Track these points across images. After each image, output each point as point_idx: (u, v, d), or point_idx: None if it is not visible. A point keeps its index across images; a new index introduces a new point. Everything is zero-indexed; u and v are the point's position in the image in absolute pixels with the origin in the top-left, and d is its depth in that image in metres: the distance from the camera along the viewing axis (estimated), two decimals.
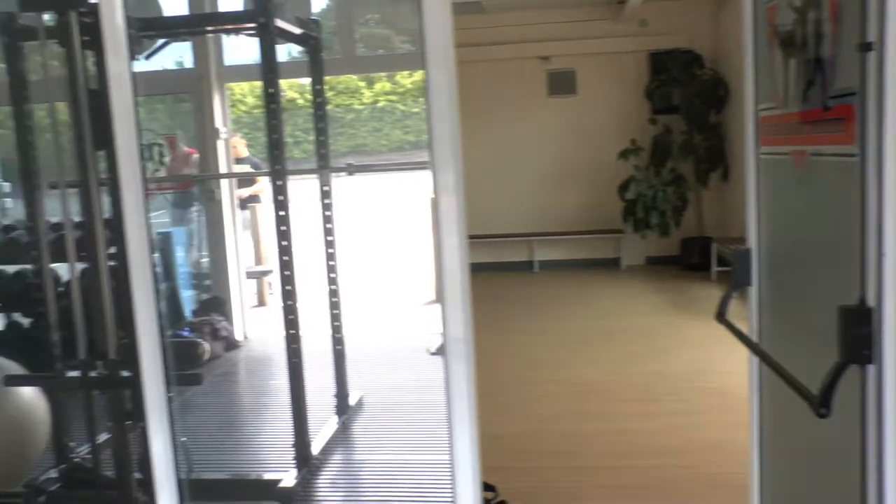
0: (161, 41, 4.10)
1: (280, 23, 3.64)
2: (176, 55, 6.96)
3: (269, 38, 3.55)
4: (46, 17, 3.09)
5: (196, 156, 6.90)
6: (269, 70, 3.57)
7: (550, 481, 3.66)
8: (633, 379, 5.08)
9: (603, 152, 8.88)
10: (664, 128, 8.71)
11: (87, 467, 3.53)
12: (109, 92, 2.26)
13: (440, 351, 5.62)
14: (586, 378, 5.16)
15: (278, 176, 3.66)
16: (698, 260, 8.46)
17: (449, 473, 1.91)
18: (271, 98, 3.60)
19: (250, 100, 19.58)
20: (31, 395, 3.52)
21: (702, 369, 5.17)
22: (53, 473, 3.59)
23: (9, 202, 7.44)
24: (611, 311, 7.22)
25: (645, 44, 8.90)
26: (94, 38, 2.98)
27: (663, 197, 8.44)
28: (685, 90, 8.42)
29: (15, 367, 3.59)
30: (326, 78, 4.52)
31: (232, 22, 4.16)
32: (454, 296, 1.86)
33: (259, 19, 3.52)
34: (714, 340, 5.42)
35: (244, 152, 8.45)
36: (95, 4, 2.95)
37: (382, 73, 20.52)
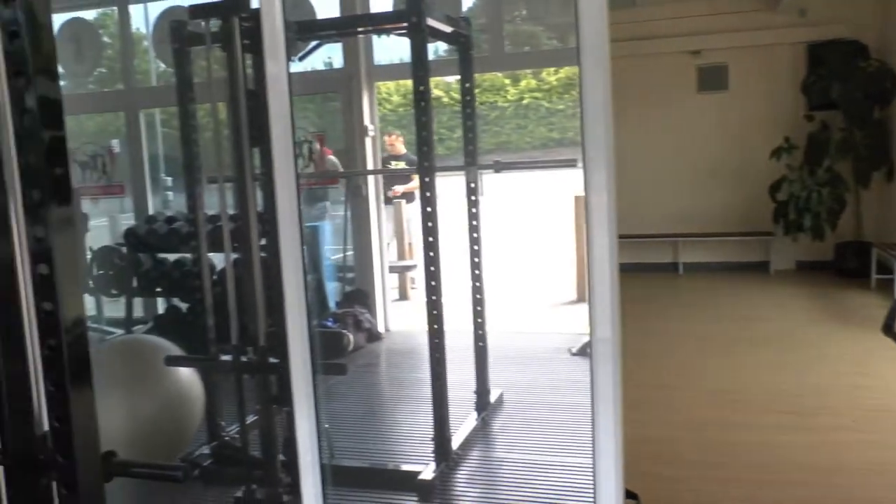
0: (314, 43, 4.24)
1: (431, 21, 3.68)
2: (325, 55, 7.21)
3: (420, 37, 3.60)
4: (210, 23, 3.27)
5: (331, 156, 7.11)
6: (419, 68, 3.63)
7: (691, 491, 3.54)
8: (783, 389, 4.83)
9: (754, 150, 8.49)
10: (821, 124, 8.21)
11: (236, 446, 3.72)
12: (267, 92, 2.35)
13: (582, 352, 5.57)
14: (732, 386, 4.95)
15: (427, 173, 3.71)
16: (855, 266, 7.93)
17: (590, 478, 1.87)
18: (421, 96, 3.65)
19: (396, 98, 20.00)
20: (188, 376, 3.73)
21: (862, 384, 4.84)
22: (206, 450, 3.82)
23: (170, 195, 7.89)
24: (758, 317, 6.90)
25: (803, 35, 8.41)
26: (253, 41, 3.14)
27: (818, 198, 7.96)
28: (846, 84, 7.90)
29: (175, 349, 3.81)
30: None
31: (384, 22, 4.25)
32: (602, 296, 1.82)
33: (411, 19, 3.57)
34: (876, 354, 5.08)
35: (402, 149, 8.63)
36: (256, 10, 3.11)
37: (528, 70, 20.45)
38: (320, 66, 7.10)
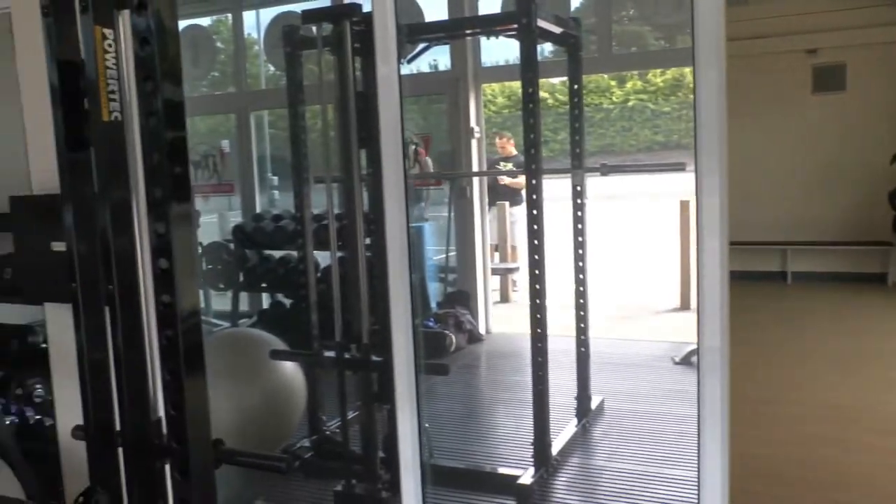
0: (423, 45, 4.28)
1: (541, 23, 3.66)
2: (430, 57, 7.27)
3: (530, 38, 3.59)
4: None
5: (426, 158, 7.17)
6: (528, 70, 3.61)
7: None
8: None
9: (872, 155, 8.05)
10: None
11: (336, 440, 3.80)
12: (377, 94, 2.38)
13: (686, 361, 5.41)
14: (846, 402, 4.72)
15: (533, 175, 3.69)
16: None
17: (694, 492, 1.82)
18: (530, 98, 3.64)
19: (500, 100, 19.98)
20: (292, 369, 3.83)
21: None
22: (306, 442, 3.91)
23: (276, 194, 8.11)
24: (874, 331, 6.55)
25: None
26: (363, 45, 3.20)
27: None
28: None
29: (280, 343, 3.92)
30: None
31: (494, 24, 4.24)
32: (712, 303, 1.77)
33: (521, 20, 3.56)
34: None
35: (512, 151, 8.63)
36: (368, 14, 3.17)
37: (634, 72, 20.07)
38: (425, 69, 7.18)
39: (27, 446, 3.38)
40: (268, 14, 7.73)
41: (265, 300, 6.91)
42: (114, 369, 2.13)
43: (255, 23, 7.99)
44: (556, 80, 11.08)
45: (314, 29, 3.41)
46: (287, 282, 6.09)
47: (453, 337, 6.06)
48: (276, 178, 8.10)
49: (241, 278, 6.42)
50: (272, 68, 8.19)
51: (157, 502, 2.14)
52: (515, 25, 3.64)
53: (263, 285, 6.49)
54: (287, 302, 6.31)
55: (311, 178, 3.95)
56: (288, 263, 6.11)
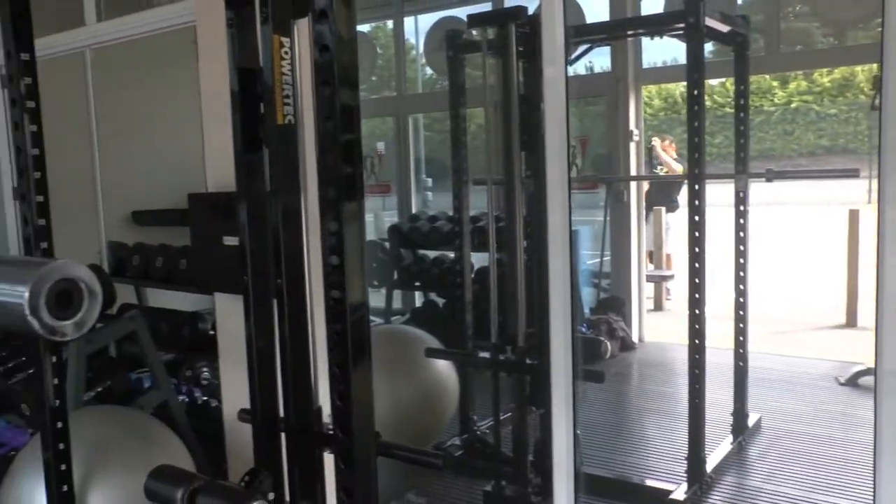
0: (585, 46, 4.24)
1: (709, 21, 3.54)
2: (585, 59, 7.18)
3: (697, 38, 3.47)
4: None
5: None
6: (694, 71, 3.50)
7: None
8: None
9: None
10: None
11: (487, 441, 3.82)
12: (540, 96, 2.38)
13: (853, 382, 5.06)
14: None
15: (696, 180, 3.57)
16: None
17: None
18: (695, 100, 3.52)
19: (657, 102, 19.45)
20: (445, 368, 3.89)
21: None
22: (457, 441, 3.95)
23: (429, 195, 8.25)
24: None
25: None
26: (526, 47, 3.20)
27: None
28: None
29: (434, 341, 3.98)
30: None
31: (660, 24, 4.13)
32: (893, 323, 1.65)
33: (689, 19, 3.45)
34: None
35: (672, 155, 8.41)
36: (532, 17, 3.18)
37: (799, 72, 18.95)
38: (581, 71, 7.10)
39: (194, 424, 3.62)
40: (425, 20, 7.90)
41: (418, 298, 7.04)
42: (279, 359, 2.23)
43: (412, 28, 8.18)
44: (714, 82, 10.67)
45: (474, 32, 3.45)
46: (441, 281, 6.18)
47: (608, 344, 5.96)
48: (429, 179, 8.25)
49: (396, 276, 6.58)
50: (429, 72, 8.36)
51: (316, 486, 2.24)
52: (682, 25, 3.53)
53: (417, 284, 6.61)
54: (440, 301, 6.40)
55: (469, 179, 3.99)
56: (442, 264, 6.20)
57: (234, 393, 3.60)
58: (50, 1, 2.12)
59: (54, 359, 2.21)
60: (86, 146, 4.71)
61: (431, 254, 6.48)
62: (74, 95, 4.73)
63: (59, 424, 2.20)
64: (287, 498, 2.24)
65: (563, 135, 2.37)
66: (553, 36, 2.30)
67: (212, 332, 3.98)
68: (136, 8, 4.11)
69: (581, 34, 4.04)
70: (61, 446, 2.20)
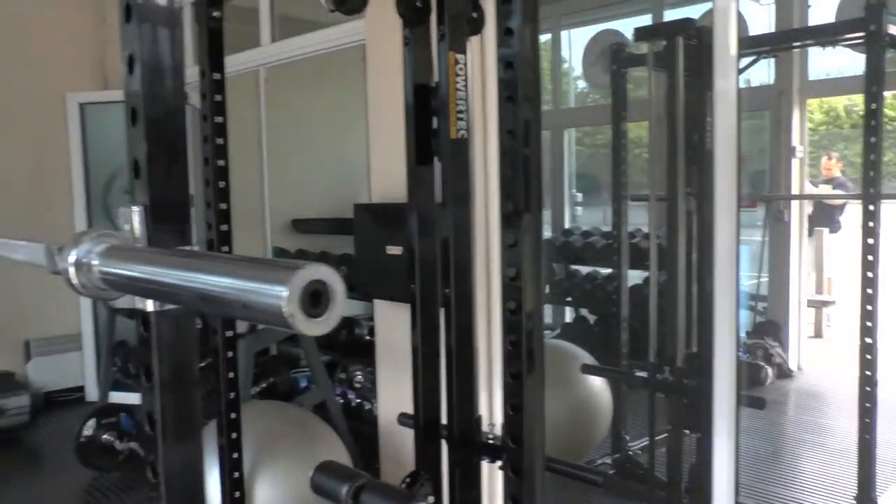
0: (750, 59, 4.10)
1: (892, 28, 3.33)
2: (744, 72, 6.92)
3: (878, 47, 3.28)
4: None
5: None
6: (873, 83, 3.30)
7: None
8: None
9: None
10: None
11: (639, 462, 3.74)
12: (709, 110, 2.33)
13: None
14: None
15: (871, 200, 3.37)
16: None
17: None
18: (872, 114, 3.33)
19: (817, 116, 18.44)
20: (599, 385, 3.84)
21: None
22: (608, 460, 3.89)
23: (579, 210, 8.16)
24: None
25: None
26: (692, 59, 3.13)
27: None
28: None
29: (588, 357, 3.95)
30: None
31: (836, 33, 3.92)
32: None
33: (870, 27, 3.27)
34: None
35: (837, 173, 7.99)
36: (700, 28, 3.11)
37: None
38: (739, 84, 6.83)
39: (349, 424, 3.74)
40: (579, 33, 7.86)
41: (568, 314, 6.99)
42: (444, 367, 2.28)
43: (566, 42, 8.15)
44: (887, 94, 10.01)
45: (646, 46, 3.40)
46: (593, 297, 6.11)
47: (770, 369, 5.71)
48: (579, 194, 8.18)
49: (547, 291, 6.56)
50: (580, 86, 8.30)
51: (472, 493, 2.26)
52: (861, 33, 3.34)
53: (569, 299, 6.57)
54: (591, 318, 6.33)
55: (628, 195, 3.94)
56: (594, 279, 6.13)
57: (390, 397, 3.71)
58: (229, 24, 2.28)
59: (230, 354, 2.35)
60: (256, 157, 4.98)
61: (584, 269, 6.42)
62: (248, 110, 5.03)
63: (233, 415, 2.33)
64: (445, 503, 2.28)
65: (733, 149, 2.30)
66: (725, 47, 2.25)
67: (367, 338, 4.11)
68: (307, 29, 4.33)
69: (749, 46, 3.90)
70: (234, 435, 2.33)
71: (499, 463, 2.36)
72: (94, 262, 0.80)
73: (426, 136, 2.14)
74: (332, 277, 0.54)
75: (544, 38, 8.19)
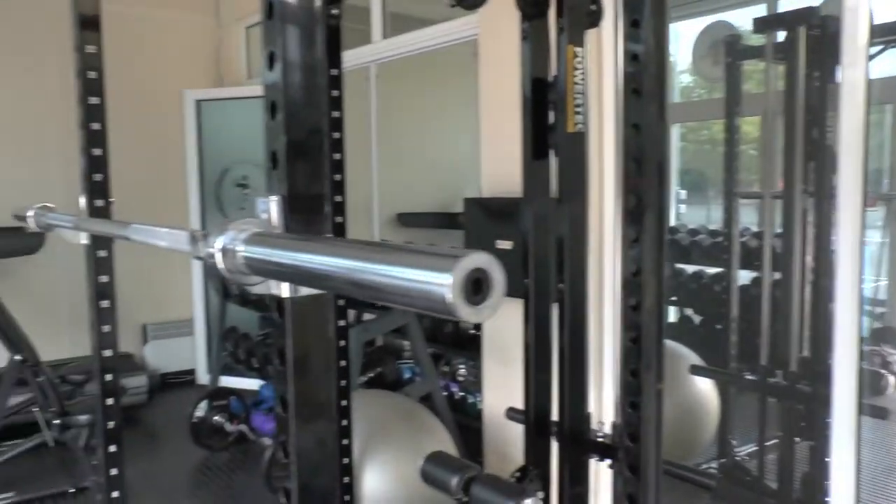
0: (878, 48, 3.90)
1: None
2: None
3: None
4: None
5: None
6: None
7: None
8: None
9: None
10: None
11: (746, 468, 3.62)
12: (831, 104, 2.23)
13: None
14: None
15: None
16: None
17: None
18: None
19: None
20: (707, 387, 3.74)
21: None
22: (713, 465, 3.78)
23: (682, 208, 7.95)
24: None
25: None
26: (815, 51, 3.01)
27: None
28: None
29: (694, 357, 3.85)
30: None
31: None
32: None
33: None
34: None
35: None
36: (826, 18, 2.98)
37: None
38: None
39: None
40: (682, 26, 7.65)
41: (672, 313, 6.83)
42: (556, 363, 2.27)
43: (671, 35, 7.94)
44: None
45: (764, 37, 3.29)
46: (698, 297, 5.96)
47: (892, 378, 5.43)
48: (683, 191, 7.97)
49: None
50: (684, 80, 8.08)
51: (579, 490, 2.24)
52: None
53: (673, 298, 6.41)
54: (696, 318, 6.17)
55: (739, 192, 3.82)
56: (700, 279, 5.97)
57: (496, 391, 3.72)
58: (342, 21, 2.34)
59: (342, 343, 2.40)
60: (365, 152, 5.07)
61: (690, 268, 6.26)
62: (358, 106, 5.12)
63: (343, 402, 2.38)
64: (554, 499, 2.27)
65: (860, 145, 2.20)
66: (854, 36, 2.15)
67: (472, 331, 4.13)
68: (416, 26, 4.37)
69: (878, 35, 3.71)
70: (344, 422, 2.39)
71: (608, 462, 2.34)
72: (239, 248, 0.83)
73: (543, 130, 2.13)
74: (492, 265, 0.54)
75: None
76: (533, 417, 2.29)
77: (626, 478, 1.50)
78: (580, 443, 2.19)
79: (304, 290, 0.94)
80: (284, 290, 0.92)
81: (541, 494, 2.15)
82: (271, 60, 0.95)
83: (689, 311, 6.39)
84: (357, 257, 0.62)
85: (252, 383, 4.84)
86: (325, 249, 0.68)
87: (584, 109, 2.09)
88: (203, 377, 5.89)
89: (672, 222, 7.25)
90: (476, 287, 0.54)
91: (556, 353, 2.32)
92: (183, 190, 5.89)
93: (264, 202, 0.94)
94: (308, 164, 0.96)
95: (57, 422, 3.90)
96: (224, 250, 0.83)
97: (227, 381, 4.93)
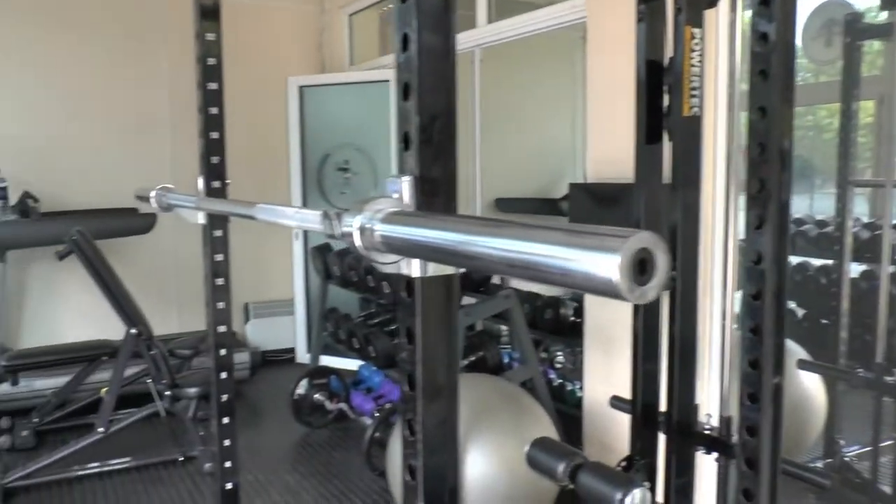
0: None
1: None
2: None
3: None
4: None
5: None
6: None
7: None
8: None
9: None
10: None
11: (856, 470, 3.49)
12: None
13: None
14: None
15: None
16: None
17: None
18: None
19: None
20: (815, 383, 3.61)
21: None
22: (819, 464, 3.65)
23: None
24: None
25: None
26: None
27: None
28: None
29: (801, 352, 3.71)
30: None
31: None
32: None
33: None
34: None
35: None
36: None
37: None
38: None
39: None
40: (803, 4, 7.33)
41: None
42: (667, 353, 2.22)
43: None
44: None
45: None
46: (804, 290, 5.75)
47: None
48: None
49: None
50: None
51: (685, 482, 2.20)
52: None
53: None
54: (799, 311, 5.96)
55: (853, 181, 3.66)
56: (805, 270, 5.76)
57: (597, 379, 3.69)
58: None
59: None
60: (469, 136, 5.07)
61: (793, 259, 6.05)
62: (462, 90, 5.13)
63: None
64: (659, 490, 2.24)
65: None
66: None
67: (572, 319, 4.10)
68: (520, 10, 4.34)
69: None
70: None
71: (714, 455, 2.29)
72: (378, 227, 0.84)
73: (657, 114, 2.09)
74: (657, 246, 0.53)
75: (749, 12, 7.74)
76: (640, 407, 2.26)
77: (742, 472, 1.46)
78: (688, 435, 2.15)
79: (433, 271, 0.95)
80: (415, 269, 0.93)
81: (647, 485, 2.13)
82: (405, 42, 0.95)
83: (792, 304, 6.18)
84: (514, 237, 0.62)
85: (350, 363, 4.93)
86: (480, 229, 0.68)
87: (700, 93, 2.03)
88: (302, 356, 6.05)
89: None
90: (641, 267, 0.53)
91: (664, 343, 2.28)
92: (285, 174, 6.04)
93: (396, 182, 0.95)
94: (439, 145, 0.96)
95: (168, 393, 4.07)
96: (362, 229, 0.85)
97: (326, 361, 5.05)
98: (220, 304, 2.17)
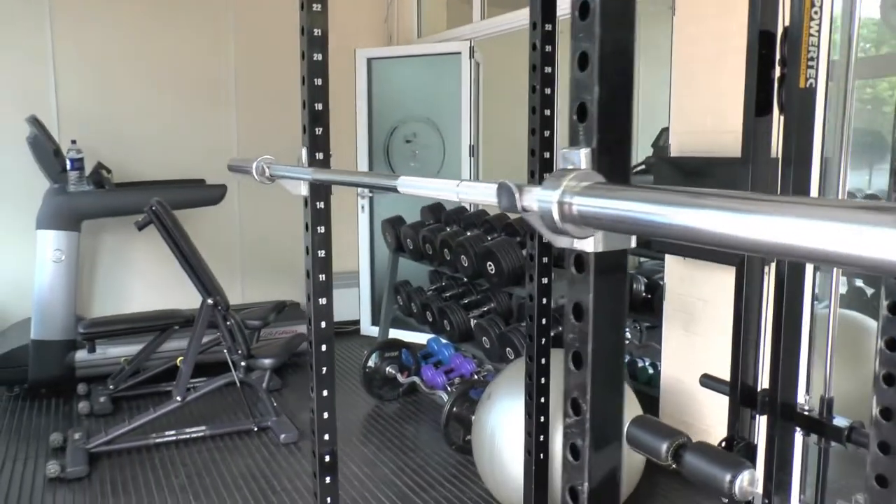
0: None
1: None
2: None
3: None
4: None
5: None
6: None
7: None
8: None
9: None
10: None
11: None
12: None
13: None
14: None
15: None
16: None
17: None
18: None
19: None
20: None
21: None
22: None
23: None
24: None
25: None
26: None
27: None
28: None
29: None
30: None
31: None
32: None
33: None
34: None
35: None
36: None
37: None
38: None
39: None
40: None
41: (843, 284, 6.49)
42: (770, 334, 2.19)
43: None
44: None
45: None
46: None
47: None
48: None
49: None
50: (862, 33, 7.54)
51: (784, 462, 2.17)
52: None
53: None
54: (867, 289, 5.84)
55: None
56: None
57: (676, 357, 3.65)
58: None
59: (544, 301, 2.40)
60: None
61: None
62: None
63: (543, 361, 2.38)
64: (759, 471, 2.21)
65: None
66: None
67: (644, 294, 4.05)
68: None
69: None
70: (542, 380, 2.39)
71: (814, 437, 2.25)
72: (577, 202, 0.82)
73: (768, 85, 2.04)
74: None
75: None
76: (739, 387, 2.22)
77: (874, 457, 1.43)
78: (791, 416, 2.11)
79: (608, 245, 0.93)
80: (588, 244, 0.92)
81: (749, 464, 2.10)
82: (584, 12, 0.93)
83: (859, 283, 6.04)
84: (771, 212, 0.59)
85: (417, 336, 4.94)
86: (732, 206, 0.65)
87: (817, 63, 1.98)
88: (366, 328, 6.09)
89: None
90: None
91: (765, 323, 2.24)
92: (352, 146, 6.04)
93: (573, 154, 0.94)
94: (617, 116, 0.94)
95: (243, 364, 4.12)
96: (561, 203, 0.83)
97: (393, 334, 5.07)
98: (322, 277, 2.18)
